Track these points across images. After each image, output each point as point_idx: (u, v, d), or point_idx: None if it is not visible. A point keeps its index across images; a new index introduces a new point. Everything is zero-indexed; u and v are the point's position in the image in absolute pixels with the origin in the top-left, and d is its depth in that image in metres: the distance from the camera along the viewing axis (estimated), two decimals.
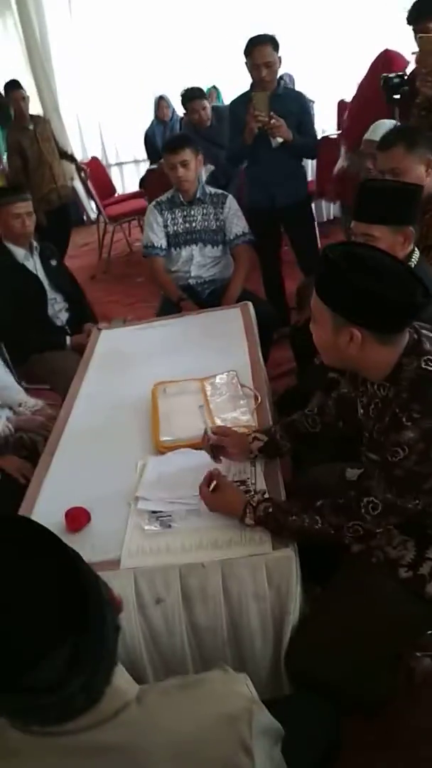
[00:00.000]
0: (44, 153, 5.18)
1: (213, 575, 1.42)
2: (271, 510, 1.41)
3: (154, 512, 1.58)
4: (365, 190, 1.78)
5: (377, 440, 1.35)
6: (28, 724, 0.79)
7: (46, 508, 1.69)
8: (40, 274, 3.02)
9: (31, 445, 2.23)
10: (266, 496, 1.52)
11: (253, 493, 1.49)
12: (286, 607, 1.44)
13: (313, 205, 4.72)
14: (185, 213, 3.17)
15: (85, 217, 7.61)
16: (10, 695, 0.76)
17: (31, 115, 5.18)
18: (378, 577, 1.45)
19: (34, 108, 5.71)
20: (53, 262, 3.11)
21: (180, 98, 5.19)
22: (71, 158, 5.78)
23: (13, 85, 5.09)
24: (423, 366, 1.25)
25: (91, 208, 6.90)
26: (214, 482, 1.51)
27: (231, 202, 3.19)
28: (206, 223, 3.19)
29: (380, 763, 1.59)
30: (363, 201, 1.76)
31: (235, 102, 3.60)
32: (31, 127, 5.10)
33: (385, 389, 1.33)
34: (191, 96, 5.02)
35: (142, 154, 6.84)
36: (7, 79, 5.08)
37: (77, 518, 1.59)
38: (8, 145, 5.29)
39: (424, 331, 1.33)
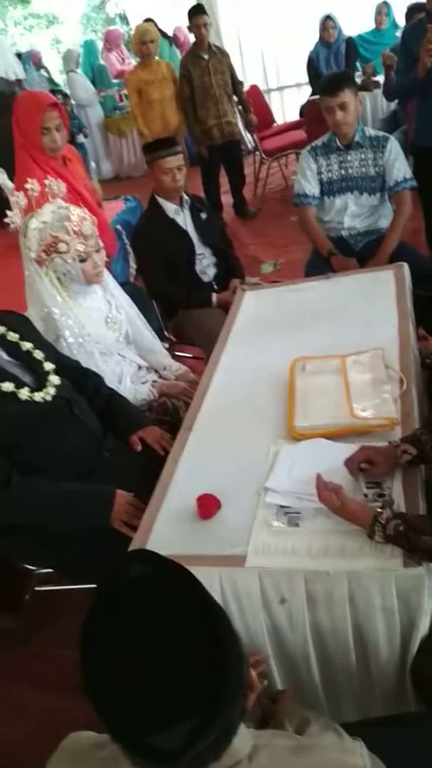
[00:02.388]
0: (213, 86, 5.05)
1: (339, 583, 1.38)
2: (402, 528, 1.32)
3: (282, 506, 1.56)
4: None
5: None
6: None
7: (181, 488, 1.72)
8: (190, 228, 2.99)
9: (174, 410, 2.27)
10: (396, 510, 1.42)
11: (380, 507, 1.40)
12: (415, 620, 1.38)
13: None
14: (341, 159, 2.97)
15: (243, 148, 7.43)
16: (130, 748, 0.79)
17: (210, 45, 5.04)
18: None
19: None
20: (203, 215, 3.07)
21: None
22: (240, 94, 5.56)
23: (197, 10, 5.01)
24: None
25: (248, 139, 6.71)
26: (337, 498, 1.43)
27: (393, 145, 2.92)
28: (364, 169, 2.96)
29: None
30: None
31: (408, 30, 3.27)
32: (206, 56, 4.98)
33: None
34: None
35: (305, 77, 6.46)
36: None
37: (208, 505, 1.61)
38: (179, 71, 5.24)
39: None
